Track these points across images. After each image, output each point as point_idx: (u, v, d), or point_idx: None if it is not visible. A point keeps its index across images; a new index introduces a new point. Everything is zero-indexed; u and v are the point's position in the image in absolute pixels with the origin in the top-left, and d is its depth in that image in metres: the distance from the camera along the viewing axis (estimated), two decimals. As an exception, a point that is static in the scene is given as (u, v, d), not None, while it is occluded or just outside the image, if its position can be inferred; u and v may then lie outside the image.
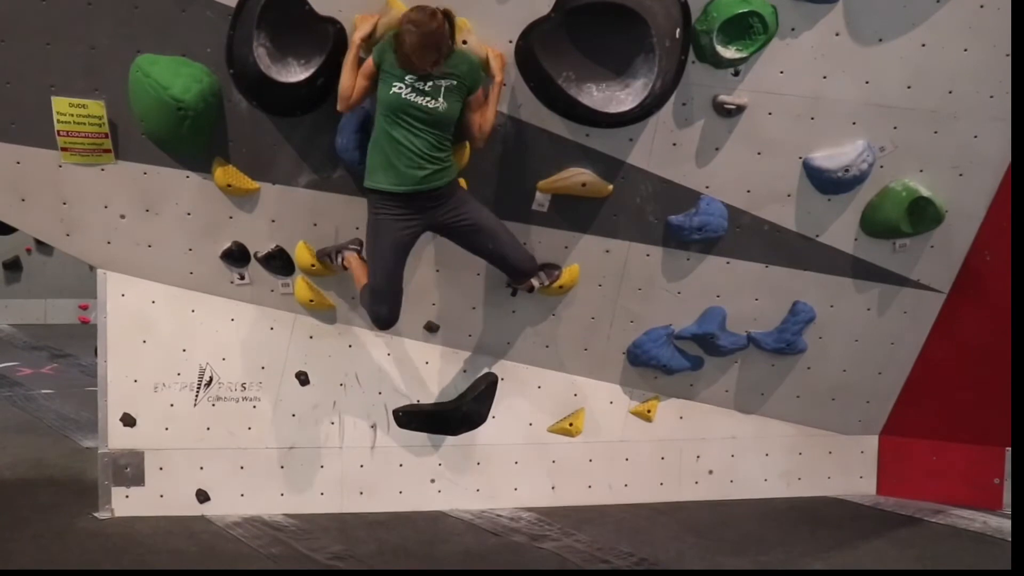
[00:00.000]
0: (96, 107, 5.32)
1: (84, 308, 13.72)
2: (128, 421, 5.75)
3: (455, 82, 4.97)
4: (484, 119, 5.14)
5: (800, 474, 6.39)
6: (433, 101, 4.93)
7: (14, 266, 13.91)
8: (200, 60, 5.20)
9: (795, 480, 6.39)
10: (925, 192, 5.65)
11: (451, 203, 5.15)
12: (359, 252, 5.49)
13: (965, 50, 5.41)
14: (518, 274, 5.51)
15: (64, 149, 5.39)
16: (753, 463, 6.33)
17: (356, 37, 4.99)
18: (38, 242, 12.26)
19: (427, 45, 4.81)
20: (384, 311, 5.24)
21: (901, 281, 5.96)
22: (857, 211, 5.75)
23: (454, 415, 5.78)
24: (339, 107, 5.04)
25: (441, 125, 4.99)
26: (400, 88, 4.92)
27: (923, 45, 5.38)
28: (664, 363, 5.98)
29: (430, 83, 4.92)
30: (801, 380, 6.19)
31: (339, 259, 5.52)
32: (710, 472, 6.29)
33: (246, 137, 5.39)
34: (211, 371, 5.79)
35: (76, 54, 5.24)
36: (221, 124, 5.34)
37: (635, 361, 6.02)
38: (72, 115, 5.33)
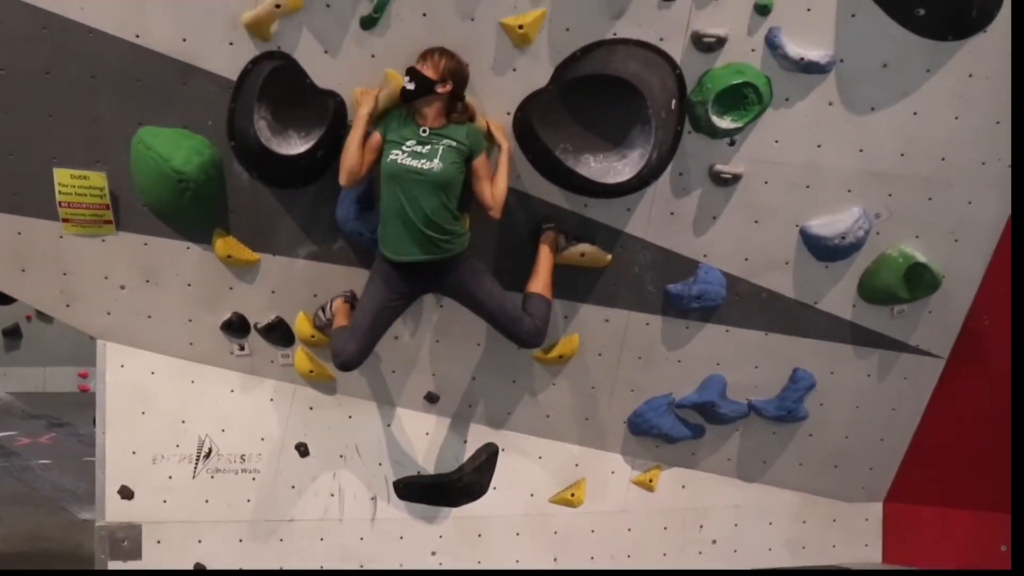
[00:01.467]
0: (98, 178, 5.36)
1: (83, 376, 13.68)
2: (126, 494, 5.70)
3: (453, 143, 5.01)
4: (496, 187, 5.13)
5: (805, 543, 6.34)
6: (428, 163, 4.95)
7: (14, 333, 13.89)
8: (201, 132, 5.24)
9: (799, 549, 6.33)
10: (921, 258, 5.67)
11: (455, 276, 5.17)
12: (347, 300, 5.51)
13: (956, 118, 5.46)
14: (523, 345, 5.44)
15: (65, 220, 5.42)
16: (757, 532, 6.28)
17: (362, 112, 5.02)
18: (38, 310, 12.25)
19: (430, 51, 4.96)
20: (352, 348, 5.15)
21: (900, 347, 5.96)
22: (855, 278, 5.76)
23: (455, 486, 5.74)
24: (343, 181, 5.04)
25: (441, 189, 4.99)
26: (397, 155, 4.98)
27: (915, 114, 5.43)
28: (665, 432, 5.96)
29: (427, 146, 4.97)
30: (803, 447, 6.16)
31: (330, 306, 5.53)
32: (713, 542, 6.23)
33: (247, 208, 5.42)
34: (210, 443, 5.77)
35: (78, 126, 5.28)
36: (222, 196, 5.37)
37: (636, 430, 6.00)
38: (74, 186, 5.36)
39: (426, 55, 5.00)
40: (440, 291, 5.35)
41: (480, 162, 5.10)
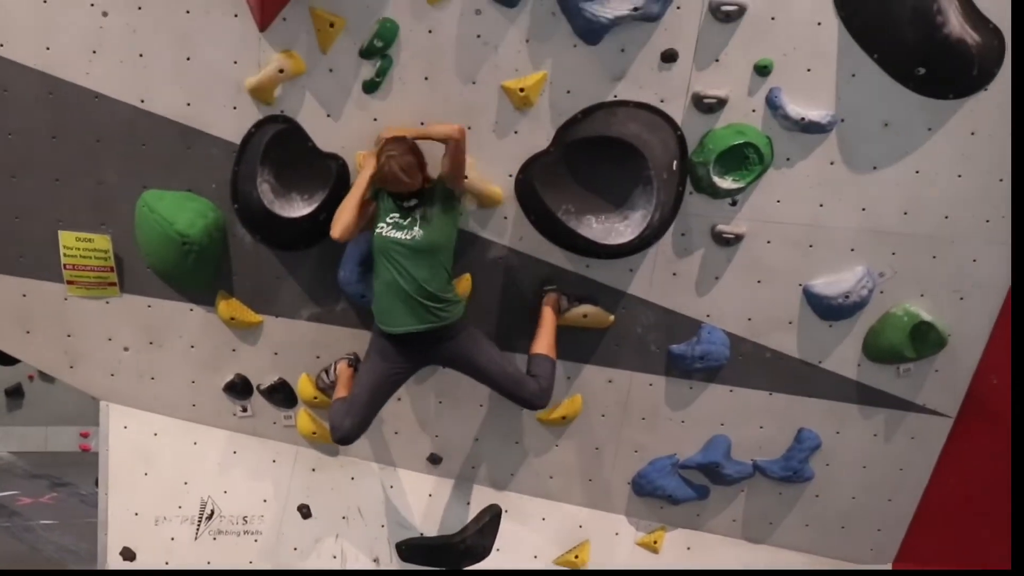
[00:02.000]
0: (102, 241, 5.39)
1: (85, 436, 13.65)
2: (128, 555, 5.68)
3: (429, 204, 5.01)
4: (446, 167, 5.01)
5: (812, 605, 6.27)
6: (410, 232, 4.97)
7: (16, 393, 13.89)
8: (205, 195, 5.29)
9: (807, 611, 6.26)
10: (927, 316, 5.65)
11: (454, 345, 5.14)
12: (351, 363, 5.50)
13: (959, 176, 5.46)
14: (528, 406, 5.36)
15: (70, 282, 5.45)
16: (764, 594, 6.21)
17: (365, 174, 5.03)
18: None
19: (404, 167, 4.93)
20: (348, 424, 5.13)
21: (907, 406, 5.91)
22: (859, 337, 5.73)
23: (457, 548, 5.71)
24: (334, 234, 4.97)
25: (429, 255, 4.99)
26: (382, 227, 5.01)
27: (917, 172, 5.43)
28: (670, 493, 5.92)
29: (408, 217, 4.99)
30: (810, 508, 6.10)
31: (333, 368, 5.52)
32: (719, 604, 6.17)
33: (250, 271, 5.44)
34: (212, 504, 5.74)
35: (84, 189, 5.33)
36: (225, 258, 5.41)
37: (640, 491, 5.96)
38: (78, 249, 5.40)
39: (396, 172, 4.92)
40: (439, 362, 5.31)
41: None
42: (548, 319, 5.39)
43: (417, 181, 4.98)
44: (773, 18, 5.09)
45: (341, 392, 5.36)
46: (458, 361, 5.22)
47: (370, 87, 5.11)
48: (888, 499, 6.12)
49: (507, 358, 5.29)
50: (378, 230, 5.02)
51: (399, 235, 4.97)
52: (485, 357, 5.20)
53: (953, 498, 6.07)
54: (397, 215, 5.01)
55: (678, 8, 5.02)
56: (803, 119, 5.24)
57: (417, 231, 4.97)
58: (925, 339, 5.67)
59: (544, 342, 5.35)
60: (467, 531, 5.72)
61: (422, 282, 4.97)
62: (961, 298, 5.70)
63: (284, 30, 5.01)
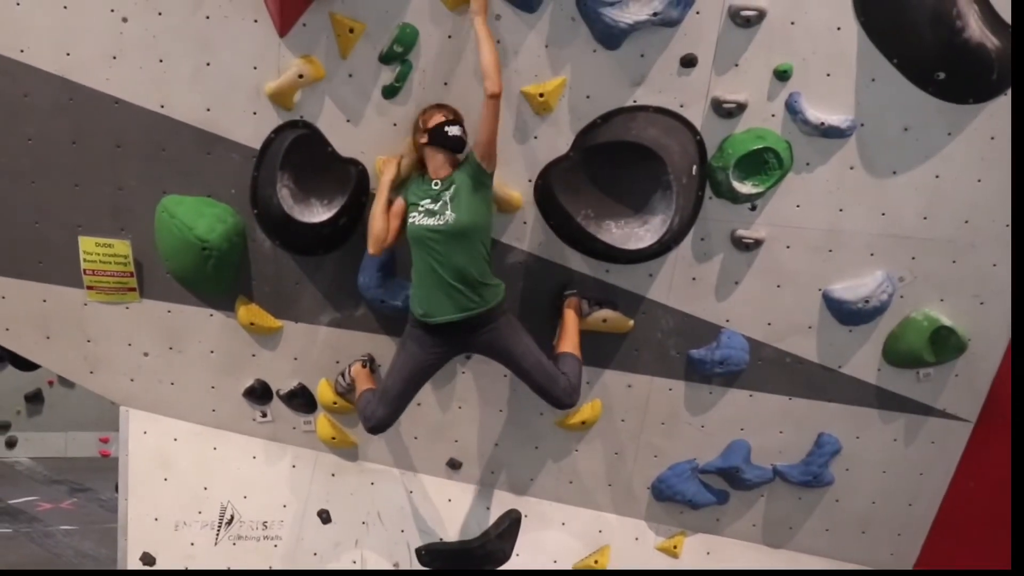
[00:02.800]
0: (122, 246, 5.41)
1: (105, 441, 13.68)
2: (148, 560, 5.69)
3: (455, 185, 4.96)
4: (482, 57, 4.83)
5: (832, 609, 6.24)
6: (442, 217, 4.92)
7: (36, 399, 13.93)
8: (225, 201, 5.31)
9: (827, 616, 6.24)
10: (947, 321, 5.63)
11: (492, 332, 5.08)
12: (365, 364, 5.50)
13: (979, 180, 5.44)
14: (558, 403, 5.27)
15: (90, 288, 5.47)
16: (783, 599, 6.18)
17: (385, 180, 5.05)
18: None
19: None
20: (381, 412, 5.15)
21: (927, 411, 5.89)
22: (879, 341, 5.71)
23: (477, 553, 5.70)
24: (371, 250, 5.04)
25: (464, 237, 4.93)
26: (415, 216, 4.98)
27: (937, 176, 5.42)
28: (689, 498, 5.90)
29: (439, 201, 4.95)
30: (830, 513, 6.08)
31: (348, 371, 5.53)
32: (739, 609, 6.15)
33: (269, 276, 5.45)
34: (232, 509, 5.75)
35: (103, 195, 5.35)
36: (245, 263, 5.42)
37: (660, 496, 5.95)
38: (98, 254, 5.42)
39: (435, 112, 5.00)
40: (475, 349, 5.23)
41: (475, 144, 4.97)
42: (571, 320, 5.38)
43: (457, 114, 4.98)
44: (792, 23, 5.09)
45: (365, 385, 5.36)
46: (495, 349, 5.15)
47: (390, 92, 5.12)
48: (908, 504, 6.10)
49: (542, 352, 5.22)
50: (410, 220, 4.99)
51: (431, 221, 4.93)
52: (523, 347, 5.14)
53: (973, 502, 6.04)
54: (428, 201, 4.98)
55: (697, 13, 5.02)
56: (822, 124, 5.23)
57: (450, 214, 4.91)
58: (945, 344, 5.65)
59: (570, 341, 5.33)
60: (487, 536, 5.71)
61: (460, 268, 4.92)
62: (981, 303, 5.67)
63: (304, 35, 5.02)
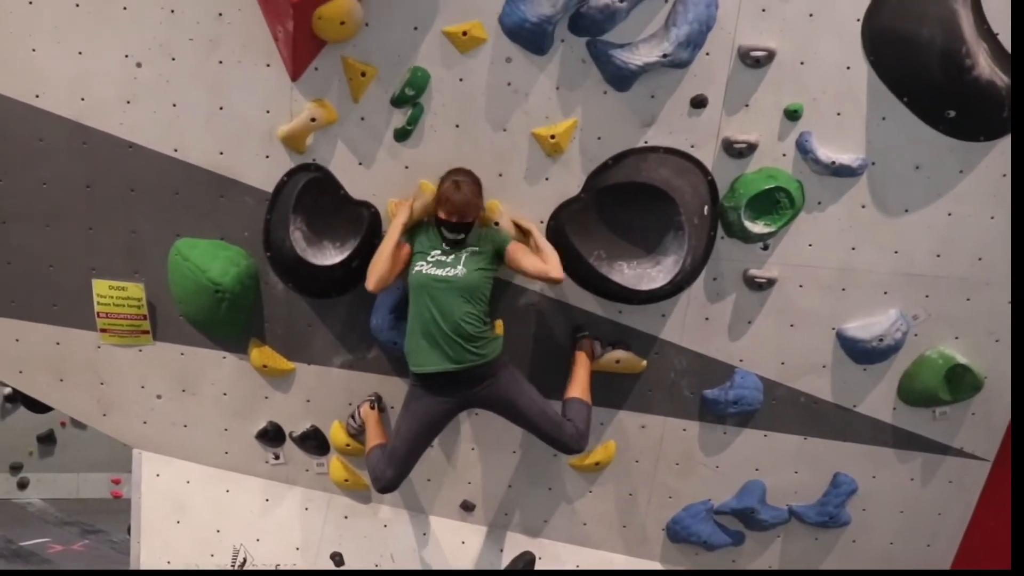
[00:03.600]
0: (135, 289, 5.43)
1: (116, 482, 13.66)
2: (160, 604, 5.67)
3: (476, 248, 5.03)
4: (545, 255, 5.00)
5: (851, 652, 6.17)
6: (453, 270, 4.96)
7: (48, 439, 13.94)
8: (238, 243, 5.32)
9: (846, 658, 6.17)
10: (962, 359, 5.60)
11: (493, 385, 5.10)
12: (373, 404, 5.49)
13: (992, 218, 5.43)
14: (566, 450, 5.27)
15: (103, 330, 5.49)
16: (801, 641, 6.12)
17: (397, 223, 5.05)
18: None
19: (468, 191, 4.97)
20: (390, 474, 5.15)
21: (943, 450, 5.85)
22: (894, 380, 5.69)
23: (491, 596, 5.67)
24: (369, 286, 4.98)
25: (469, 294, 4.96)
26: (422, 265, 4.99)
27: (949, 214, 5.41)
28: (705, 539, 5.86)
29: (451, 255, 4.99)
30: (847, 553, 6.03)
31: (357, 413, 5.53)
32: (756, 652, 6.09)
33: (282, 318, 5.46)
34: (245, 552, 5.73)
35: (117, 238, 5.37)
36: (257, 306, 5.43)
37: (675, 537, 5.91)
38: (112, 297, 5.43)
39: (453, 200, 4.95)
40: (478, 404, 5.25)
41: (513, 247, 5.09)
42: (582, 363, 5.38)
43: (471, 214, 4.98)
44: (802, 63, 5.10)
45: (374, 439, 5.36)
46: (498, 402, 5.16)
47: (401, 135, 5.14)
48: (927, 544, 6.04)
49: (547, 401, 5.23)
50: (417, 268, 5.01)
51: (441, 272, 4.96)
52: (526, 398, 5.15)
53: (992, 542, 5.97)
54: (438, 253, 5.01)
55: (707, 54, 5.04)
56: (834, 163, 5.24)
57: (461, 269, 4.96)
58: (961, 382, 5.62)
59: (579, 386, 5.33)
60: (502, 579, 5.69)
61: (460, 320, 4.93)
62: (996, 340, 5.64)
63: (316, 79, 5.05)
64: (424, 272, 4.98)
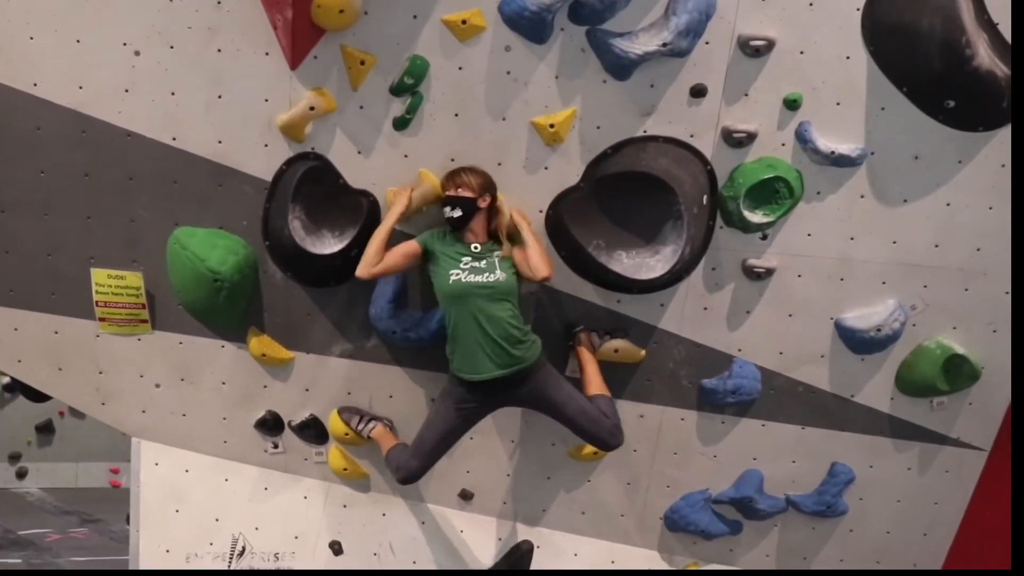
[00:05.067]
0: (134, 278, 5.42)
1: (115, 471, 13.69)
2: (158, 592, 5.68)
3: (497, 253, 5.06)
4: (531, 255, 5.01)
5: (848, 641, 6.19)
6: (492, 275, 4.97)
7: (47, 429, 13.97)
8: (236, 232, 5.32)
9: (842, 647, 6.19)
10: (960, 349, 5.61)
11: (533, 384, 5.10)
12: (384, 425, 5.52)
13: (990, 208, 5.43)
14: (606, 446, 5.29)
15: (102, 319, 5.48)
16: (798, 631, 6.14)
17: (394, 211, 5.05)
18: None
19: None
20: (415, 464, 5.19)
21: (941, 440, 5.86)
22: (892, 370, 5.69)
23: (489, 585, 5.68)
24: (360, 272, 4.99)
25: (510, 299, 5.00)
26: (458, 274, 4.97)
27: (948, 204, 5.41)
28: (702, 528, 5.87)
29: (484, 260, 5.00)
30: (844, 543, 6.04)
31: (367, 427, 5.52)
32: (753, 641, 6.11)
33: (281, 307, 5.46)
34: (244, 541, 5.74)
35: (115, 227, 5.36)
36: (256, 295, 5.42)
37: (673, 526, 5.92)
38: (110, 286, 5.42)
39: (454, 178, 5.04)
40: (517, 403, 5.28)
41: (517, 251, 5.11)
42: (588, 359, 5.38)
43: (467, 188, 5.00)
44: (802, 52, 5.10)
45: (389, 443, 5.40)
46: (537, 401, 5.18)
47: (400, 124, 5.13)
48: (923, 533, 6.06)
49: (583, 396, 5.25)
50: (453, 278, 4.97)
51: (481, 278, 4.95)
52: (564, 394, 5.17)
53: (989, 532, 5.99)
54: (469, 259, 5.00)
55: (707, 44, 5.03)
56: (833, 153, 5.24)
57: (500, 273, 4.98)
58: (958, 372, 5.63)
59: (595, 383, 5.33)
60: (499, 567, 5.69)
61: (505, 325, 4.94)
62: (994, 330, 5.65)
63: (315, 68, 5.04)
64: (464, 280, 4.96)
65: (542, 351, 5.14)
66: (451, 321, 5.04)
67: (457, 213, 5.02)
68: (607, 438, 5.21)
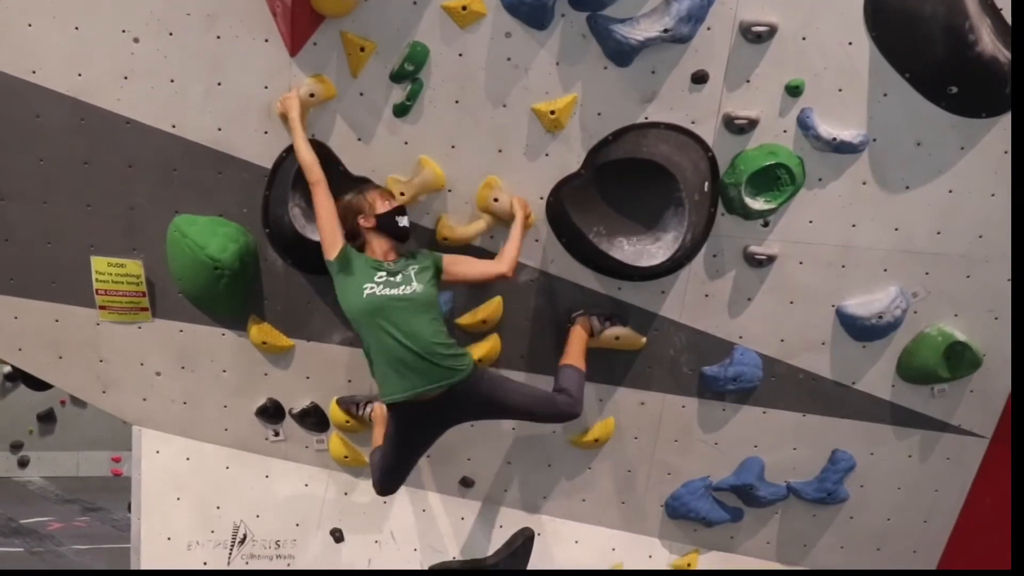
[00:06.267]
0: (134, 266, 5.41)
1: (117, 460, 13.71)
2: (161, 580, 5.69)
3: (416, 266, 4.92)
4: (507, 254, 5.01)
5: (848, 627, 6.20)
6: (407, 287, 4.80)
7: (48, 418, 13.99)
8: (236, 220, 5.30)
9: (843, 633, 6.20)
10: (961, 336, 5.61)
11: (477, 396, 4.95)
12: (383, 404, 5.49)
13: (992, 195, 5.42)
14: (563, 419, 5.26)
15: (102, 307, 5.47)
16: (798, 617, 6.15)
17: (294, 117, 4.89)
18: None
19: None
20: (388, 481, 5.21)
21: (942, 427, 5.86)
22: (893, 357, 5.69)
23: (490, 572, 5.67)
24: (312, 177, 4.86)
25: (429, 309, 4.84)
26: (372, 288, 4.80)
27: (950, 191, 5.40)
28: (703, 515, 5.88)
29: (398, 275, 4.84)
30: (844, 530, 6.05)
31: (366, 410, 5.52)
32: (754, 627, 6.11)
33: (281, 295, 5.45)
34: (245, 529, 5.74)
35: (115, 215, 5.34)
36: (256, 282, 5.41)
37: (674, 514, 5.92)
38: (110, 274, 5.41)
39: (380, 196, 4.99)
40: (467, 418, 5.17)
41: (449, 259, 5.03)
42: (577, 336, 5.33)
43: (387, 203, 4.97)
44: (804, 38, 5.08)
45: (379, 439, 5.36)
46: (489, 408, 5.07)
47: (401, 111, 5.12)
48: (924, 520, 6.07)
49: (531, 385, 5.24)
50: (366, 292, 4.78)
51: (397, 291, 4.78)
52: (514, 393, 5.08)
53: (989, 519, 6.00)
54: (383, 274, 4.83)
55: (708, 29, 5.02)
56: (835, 139, 5.22)
57: (416, 285, 4.81)
58: (960, 359, 5.63)
59: (572, 354, 5.26)
60: (500, 554, 5.67)
61: (428, 336, 4.78)
62: (996, 318, 5.65)
63: (315, 55, 5.02)
64: (378, 294, 4.77)
65: (474, 362, 5.00)
66: (368, 343, 4.87)
67: (406, 222, 4.96)
68: (563, 411, 5.08)
